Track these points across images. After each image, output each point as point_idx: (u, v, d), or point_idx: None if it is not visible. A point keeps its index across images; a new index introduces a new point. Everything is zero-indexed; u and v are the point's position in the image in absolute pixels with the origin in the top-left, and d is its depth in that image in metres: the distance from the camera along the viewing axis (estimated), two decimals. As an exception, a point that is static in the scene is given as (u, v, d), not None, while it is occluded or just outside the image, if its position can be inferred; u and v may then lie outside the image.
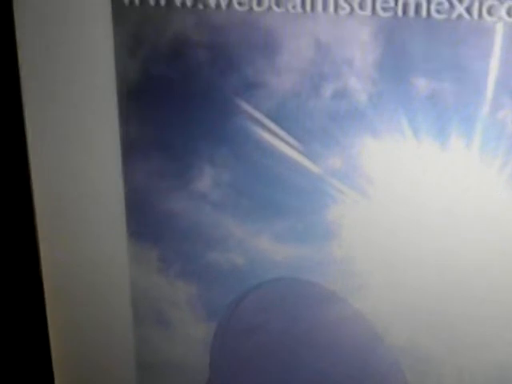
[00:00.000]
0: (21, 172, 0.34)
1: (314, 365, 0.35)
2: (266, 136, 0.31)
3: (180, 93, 0.31)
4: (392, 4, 0.27)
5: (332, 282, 0.33)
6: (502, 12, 0.27)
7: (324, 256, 0.32)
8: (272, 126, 0.30)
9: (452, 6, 0.27)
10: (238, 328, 0.35)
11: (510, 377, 0.33)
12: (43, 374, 0.38)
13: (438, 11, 0.27)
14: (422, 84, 0.28)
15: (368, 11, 0.28)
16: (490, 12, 0.27)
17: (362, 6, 0.28)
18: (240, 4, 0.29)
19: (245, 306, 0.34)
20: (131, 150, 0.33)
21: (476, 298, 0.32)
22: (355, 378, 0.34)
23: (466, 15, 0.27)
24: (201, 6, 0.29)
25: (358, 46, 0.28)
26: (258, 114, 0.30)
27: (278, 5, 0.28)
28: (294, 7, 0.28)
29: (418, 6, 0.27)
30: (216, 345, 0.35)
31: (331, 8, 0.28)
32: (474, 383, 0.33)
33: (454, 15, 0.27)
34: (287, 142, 0.31)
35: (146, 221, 0.34)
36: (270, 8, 0.28)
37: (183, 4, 0.29)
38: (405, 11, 0.27)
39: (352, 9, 0.28)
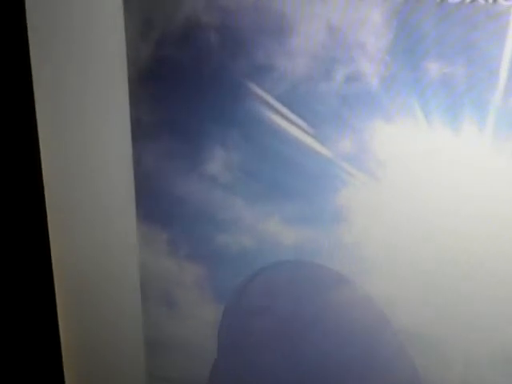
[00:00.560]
0: (31, 160, 0.34)
1: (322, 347, 0.35)
2: (277, 119, 0.31)
3: (191, 76, 0.31)
4: (406, -13, 0.27)
5: (340, 264, 0.33)
6: (518, -4, 0.26)
7: (333, 239, 0.32)
8: (283, 109, 0.30)
9: (467, -10, 0.27)
10: (247, 309, 0.35)
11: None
12: (52, 353, 0.38)
13: (453, -5, 0.27)
14: (434, 68, 0.28)
15: (382, -5, 0.27)
16: (505, -4, 0.26)
17: (375, -10, 0.27)
18: (252, -13, 0.28)
19: (253, 287, 0.34)
20: (141, 133, 0.33)
21: (484, 283, 0.32)
22: (363, 360, 0.34)
23: (480, -1, 0.27)
24: (213, -11, 0.29)
25: (371, 29, 0.28)
26: (269, 98, 0.30)
27: (291, -12, 0.28)
28: (307, -9, 0.28)
29: (432, -10, 0.27)
30: (224, 326, 0.35)
31: (345, -8, 0.28)
32: (480, 368, 0.33)
33: (469, -1, 0.27)
34: (298, 126, 0.30)
35: (155, 203, 0.34)
36: (282, -9, 0.28)
37: (195, -13, 0.29)
38: (419, -5, 0.27)
39: (366, -7, 0.28)
